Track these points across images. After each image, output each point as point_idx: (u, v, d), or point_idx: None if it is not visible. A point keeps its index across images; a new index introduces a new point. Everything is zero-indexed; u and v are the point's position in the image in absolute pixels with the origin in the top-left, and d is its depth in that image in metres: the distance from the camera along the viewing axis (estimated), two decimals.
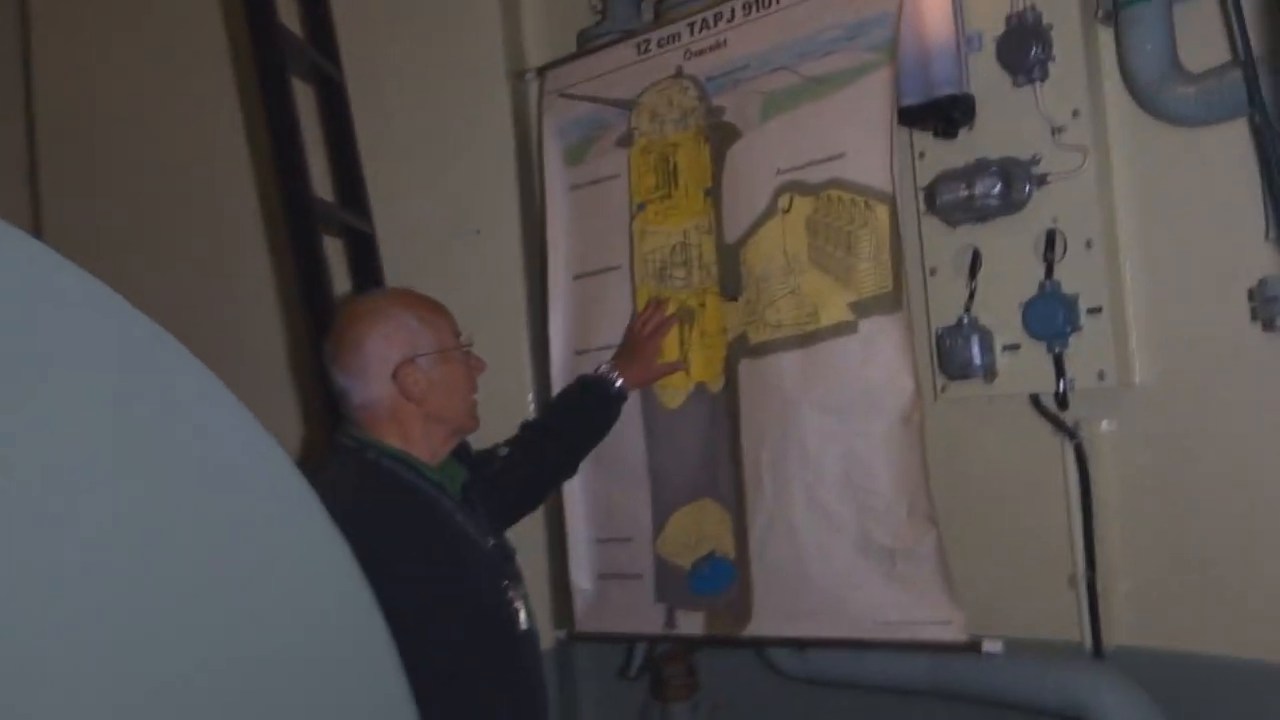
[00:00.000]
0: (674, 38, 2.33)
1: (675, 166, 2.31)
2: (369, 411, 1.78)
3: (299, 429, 2.65)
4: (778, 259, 2.12)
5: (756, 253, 2.16)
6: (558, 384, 2.42)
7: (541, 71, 2.53)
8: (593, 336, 2.39)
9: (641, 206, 2.36)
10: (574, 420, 2.21)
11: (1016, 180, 1.95)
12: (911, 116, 2.04)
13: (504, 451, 2.06)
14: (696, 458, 2.24)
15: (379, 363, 1.77)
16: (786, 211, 2.12)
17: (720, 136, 2.23)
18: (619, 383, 2.19)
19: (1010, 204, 1.96)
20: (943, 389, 2.08)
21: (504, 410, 2.30)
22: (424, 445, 1.80)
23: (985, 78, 2.01)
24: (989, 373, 2.01)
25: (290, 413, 2.66)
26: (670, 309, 2.27)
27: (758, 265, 2.15)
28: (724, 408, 2.20)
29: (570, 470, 2.25)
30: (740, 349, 2.17)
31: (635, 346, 2.25)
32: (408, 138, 2.58)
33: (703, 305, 2.25)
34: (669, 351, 2.28)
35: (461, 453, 1.91)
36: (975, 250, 2.03)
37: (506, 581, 1.81)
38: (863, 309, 2.00)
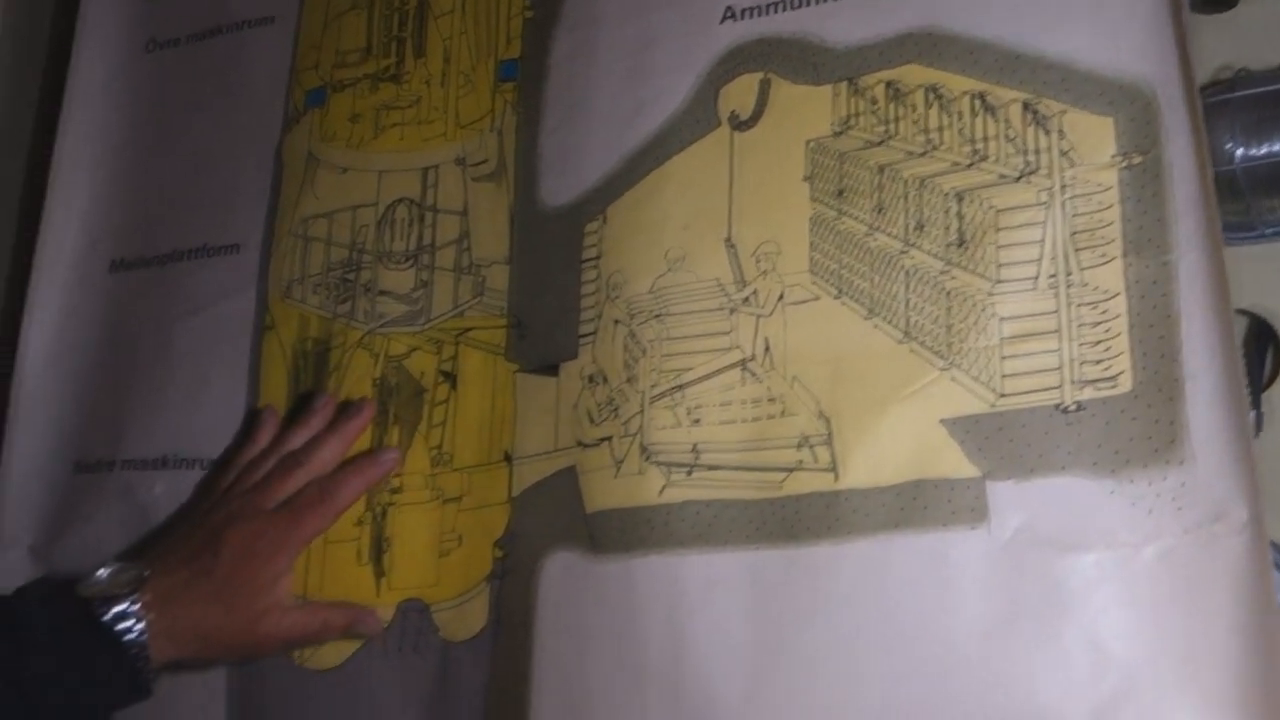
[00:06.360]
0: None
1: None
2: None
3: None
4: (710, 259, 0.70)
5: (641, 238, 0.72)
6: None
7: None
8: (146, 430, 0.87)
9: (317, 97, 0.88)
10: None
11: None
12: None
13: None
14: None
15: None
16: (746, 125, 0.71)
17: None
18: (131, 637, 0.68)
19: None
20: None
21: None
22: None
23: None
24: None
25: None
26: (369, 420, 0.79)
27: (640, 270, 0.72)
28: (480, 689, 0.72)
29: None
30: (558, 514, 0.71)
31: (229, 546, 0.72)
32: None
33: (448, 376, 0.79)
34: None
35: None
36: (1259, 323, 0.68)
37: None
38: (1006, 447, 0.60)
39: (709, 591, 0.64)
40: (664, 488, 0.67)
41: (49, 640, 0.66)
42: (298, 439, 0.78)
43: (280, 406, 0.83)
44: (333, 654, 0.77)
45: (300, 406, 0.81)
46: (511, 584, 0.72)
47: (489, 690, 0.72)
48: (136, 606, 0.68)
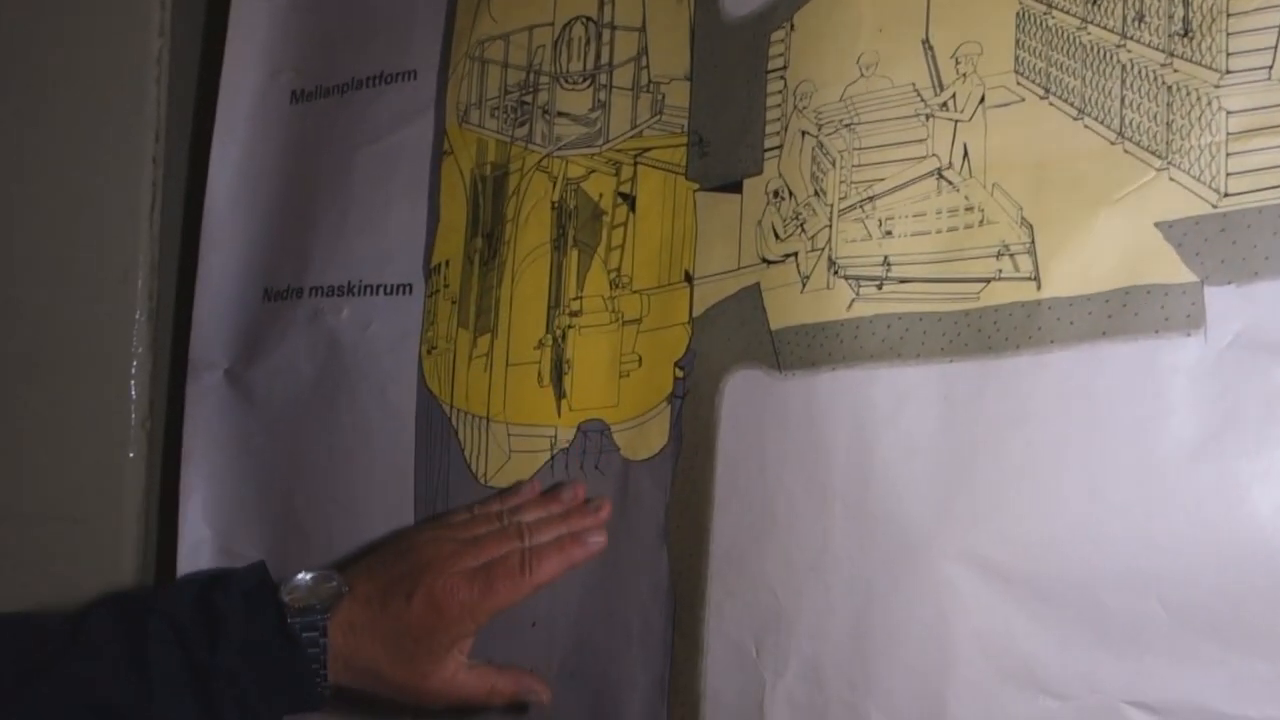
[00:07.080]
0: None
1: None
2: None
3: None
4: (905, 63, 0.66)
5: (831, 44, 0.69)
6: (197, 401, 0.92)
7: None
8: (331, 257, 0.89)
9: None
10: None
11: None
12: None
13: None
14: (567, 618, 0.77)
15: None
16: None
17: None
18: (314, 651, 0.68)
19: None
20: None
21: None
22: None
23: None
24: None
25: None
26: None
27: (830, 78, 0.68)
28: (661, 506, 0.73)
29: None
30: (741, 332, 0.70)
31: (420, 595, 0.69)
32: None
33: (626, 198, 0.78)
34: (528, 319, 0.80)
35: None
36: None
37: None
38: (1228, 250, 0.55)
39: (899, 405, 0.63)
40: (852, 301, 0.65)
41: (239, 638, 0.67)
42: (532, 513, 0.75)
43: (458, 229, 0.83)
44: (516, 472, 0.79)
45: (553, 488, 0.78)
46: (692, 403, 0.72)
47: (670, 508, 0.72)
48: (324, 623, 0.68)
